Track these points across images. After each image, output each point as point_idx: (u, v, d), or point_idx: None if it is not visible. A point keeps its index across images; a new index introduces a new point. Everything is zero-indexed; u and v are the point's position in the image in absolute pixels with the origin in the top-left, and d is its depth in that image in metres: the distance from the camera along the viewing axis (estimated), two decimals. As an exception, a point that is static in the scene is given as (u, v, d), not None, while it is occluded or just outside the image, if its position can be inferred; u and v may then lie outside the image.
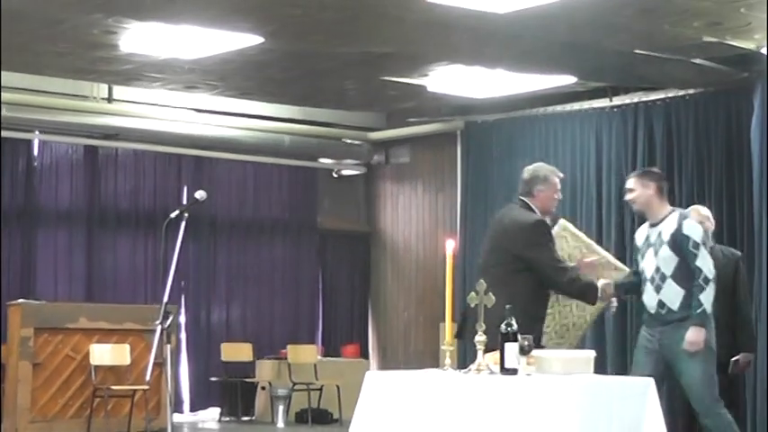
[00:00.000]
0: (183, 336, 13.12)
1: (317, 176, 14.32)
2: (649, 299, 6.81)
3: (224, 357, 12.91)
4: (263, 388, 12.82)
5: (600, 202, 11.36)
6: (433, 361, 10.48)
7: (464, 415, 5.20)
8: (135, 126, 12.50)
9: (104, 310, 11.42)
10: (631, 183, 6.97)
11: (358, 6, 8.72)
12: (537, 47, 9.82)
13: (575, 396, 5.07)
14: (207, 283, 13.40)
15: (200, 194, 6.18)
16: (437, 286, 12.70)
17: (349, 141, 13.95)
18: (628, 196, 7.00)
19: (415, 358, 13.27)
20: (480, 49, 10.04)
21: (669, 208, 6.90)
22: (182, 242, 5.88)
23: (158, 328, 5.84)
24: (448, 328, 5.58)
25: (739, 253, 7.99)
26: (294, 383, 12.50)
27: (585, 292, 6.69)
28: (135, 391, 11.07)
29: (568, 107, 11.83)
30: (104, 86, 12.27)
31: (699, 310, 6.60)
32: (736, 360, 7.58)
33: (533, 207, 6.70)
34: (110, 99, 12.41)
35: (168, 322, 5.87)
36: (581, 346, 7.45)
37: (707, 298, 6.62)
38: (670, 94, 10.93)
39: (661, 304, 6.74)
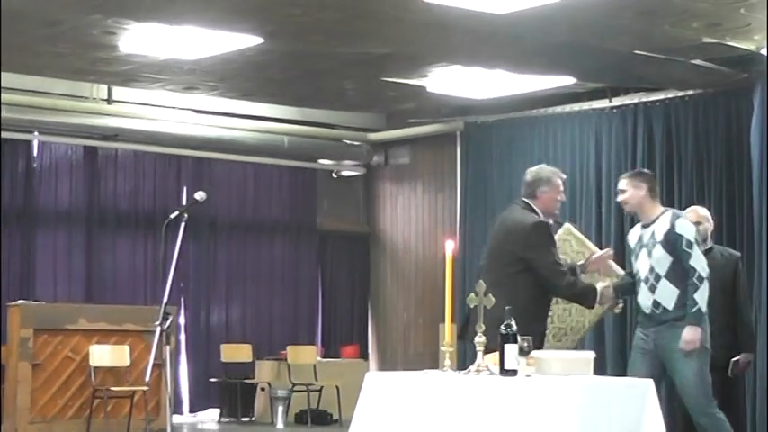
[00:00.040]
0: (182, 337, 13.12)
1: (316, 177, 14.32)
2: (644, 299, 6.82)
3: (223, 358, 12.90)
4: (263, 389, 12.81)
5: (599, 202, 11.36)
6: (433, 362, 10.48)
7: (464, 416, 5.20)
8: (134, 127, 12.50)
9: (104, 310, 11.41)
10: (623, 184, 6.99)
11: (357, 7, 8.73)
12: (536, 48, 9.83)
13: (574, 397, 5.07)
14: (206, 283, 13.40)
15: (199, 195, 6.18)
16: (437, 287, 12.69)
17: (348, 142, 13.95)
18: (620, 197, 7.01)
19: (414, 359, 13.27)
20: (480, 49, 10.04)
21: (661, 208, 6.91)
22: (181, 243, 5.89)
23: (158, 329, 5.84)
24: (448, 329, 5.57)
25: (738, 254, 7.99)
26: (294, 384, 12.50)
27: (584, 296, 6.68)
28: (134, 391, 11.07)
29: (568, 108, 11.84)
30: (104, 87, 12.27)
31: (694, 309, 6.61)
32: (737, 361, 7.58)
33: (536, 209, 6.70)
34: (109, 100, 12.40)
35: (168, 323, 5.87)
36: (580, 347, 7.45)
37: (701, 297, 6.62)
38: (670, 95, 10.94)
39: (656, 304, 6.74)
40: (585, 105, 11.69)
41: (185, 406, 13.06)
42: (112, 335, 11.23)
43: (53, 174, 12.45)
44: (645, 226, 6.88)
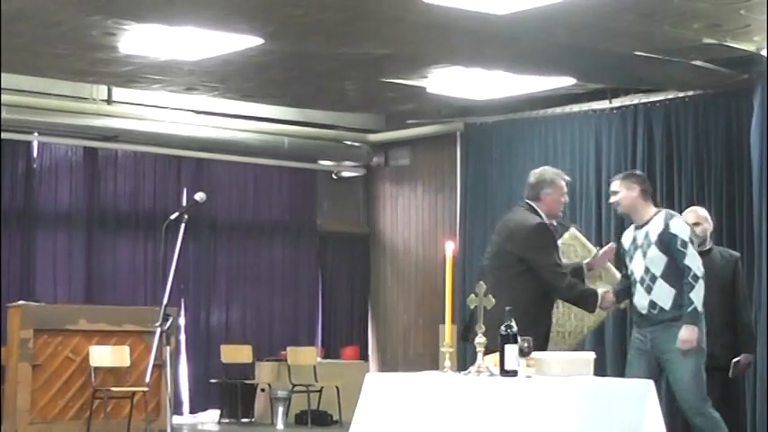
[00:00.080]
0: (182, 337, 13.12)
1: (316, 178, 14.32)
2: (640, 300, 6.81)
3: (224, 359, 12.90)
4: (263, 390, 12.81)
5: (599, 203, 11.35)
6: (433, 363, 10.47)
7: (464, 417, 5.20)
8: (134, 128, 12.49)
9: (104, 311, 11.42)
10: (616, 185, 6.99)
11: (358, 8, 8.73)
12: (536, 48, 9.83)
13: (574, 398, 5.07)
14: (207, 284, 13.40)
15: (199, 196, 6.19)
16: (437, 288, 12.69)
17: (348, 143, 13.94)
18: (612, 199, 7.01)
19: (414, 360, 13.27)
20: (480, 50, 10.04)
21: (654, 209, 6.91)
22: (181, 244, 5.89)
23: (158, 330, 5.84)
24: (448, 330, 5.57)
25: (738, 254, 7.99)
26: (294, 385, 12.50)
27: (584, 298, 6.69)
28: (134, 392, 11.08)
29: (568, 109, 11.83)
30: (104, 88, 12.27)
31: (690, 309, 6.61)
32: (737, 361, 7.58)
33: (539, 210, 6.70)
34: (109, 101, 12.40)
35: (168, 324, 5.87)
36: (580, 348, 7.45)
37: (697, 296, 6.62)
38: (670, 96, 10.94)
39: (653, 305, 6.74)
40: (585, 106, 11.68)
41: (185, 407, 13.06)
42: (112, 336, 11.24)
43: (53, 175, 12.45)
44: (638, 227, 6.88)
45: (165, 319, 5.83)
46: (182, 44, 9.83)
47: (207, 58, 10.31)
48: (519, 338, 5.30)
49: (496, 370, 5.33)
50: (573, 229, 7.42)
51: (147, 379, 7.20)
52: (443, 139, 13.33)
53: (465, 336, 6.37)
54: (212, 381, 12.97)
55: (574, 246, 7.24)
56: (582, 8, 8.48)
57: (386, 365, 13.93)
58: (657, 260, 6.71)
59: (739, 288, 7.71)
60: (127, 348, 11.22)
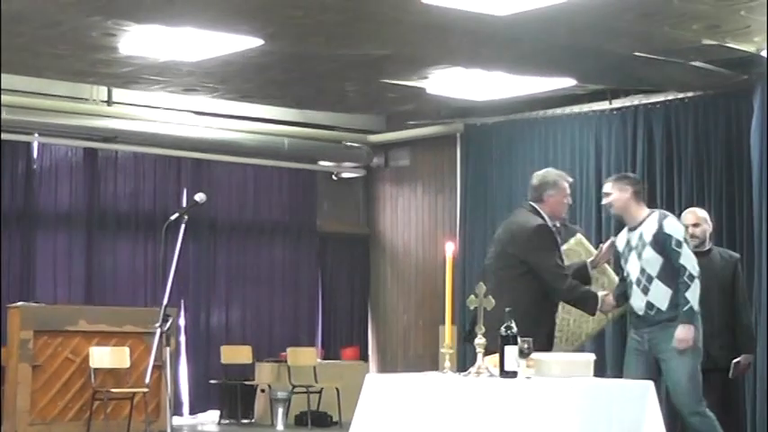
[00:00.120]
0: (182, 338, 13.12)
1: (316, 179, 14.32)
2: (637, 301, 6.81)
3: (223, 360, 12.90)
4: (263, 391, 12.81)
5: (599, 204, 11.33)
6: (433, 364, 10.48)
7: (464, 418, 5.20)
8: (134, 129, 12.49)
9: (104, 312, 11.42)
10: (608, 187, 6.99)
11: (358, 9, 8.73)
12: (536, 49, 9.83)
13: (574, 399, 5.07)
14: (206, 285, 13.40)
15: (199, 197, 6.19)
16: (437, 289, 12.69)
17: (348, 144, 13.94)
18: (605, 200, 7.01)
19: (414, 361, 13.26)
20: (480, 51, 10.05)
21: (647, 210, 6.91)
22: (181, 245, 5.89)
23: (158, 331, 5.84)
24: (448, 331, 5.57)
25: (738, 255, 7.99)
26: (294, 386, 12.50)
27: (585, 300, 6.69)
28: (134, 393, 11.08)
29: (568, 110, 11.83)
30: (104, 89, 12.27)
31: (686, 308, 6.61)
32: (737, 362, 7.58)
33: (542, 212, 6.71)
34: (109, 102, 12.40)
35: (168, 325, 5.87)
36: (580, 350, 7.45)
37: (693, 295, 6.62)
38: (670, 97, 10.94)
39: (650, 305, 6.74)
40: (585, 107, 11.68)
41: (185, 408, 13.06)
42: (112, 336, 11.24)
43: (53, 175, 12.45)
44: (631, 229, 6.89)
45: (165, 320, 5.83)
46: (182, 45, 9.83)
47: (207, 58, 10.31)
48: (519, 339, 5.30)
49: (496, 371, 5.32)
50: (579, 235, 7.42)
51: (147, 380, 7.18)
52: (443, 139, 13.33)
53: (468, 337, 6.37)
54: (212, 381, 12.97)
55: (579, 251, 7.25)
56: (582, 9, 8.48)
57: (386, 366, 13.93)
58: (653, 261, 6.71)
59: (739, 289, 7.71)
60: (127, 349, 11.22)
